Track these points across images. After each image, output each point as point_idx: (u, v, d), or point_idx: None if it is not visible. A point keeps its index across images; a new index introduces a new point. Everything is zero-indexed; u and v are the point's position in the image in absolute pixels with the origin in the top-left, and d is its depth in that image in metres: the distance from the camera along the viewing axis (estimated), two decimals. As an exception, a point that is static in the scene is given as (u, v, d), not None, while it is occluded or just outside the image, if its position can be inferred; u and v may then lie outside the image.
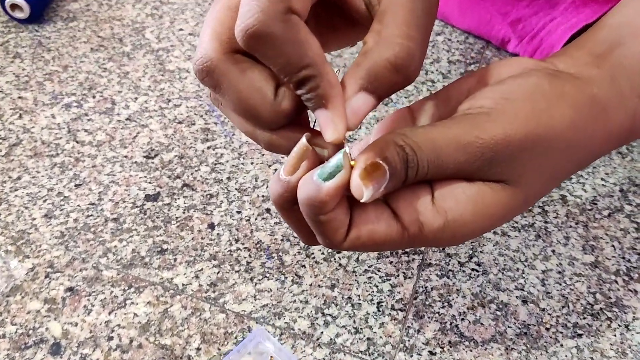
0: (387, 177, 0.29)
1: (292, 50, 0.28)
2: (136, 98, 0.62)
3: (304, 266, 0.49)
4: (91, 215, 0.52)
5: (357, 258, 0.49)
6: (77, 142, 0.58)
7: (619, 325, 0.46)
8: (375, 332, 0.45)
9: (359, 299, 0.47)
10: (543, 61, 0.36)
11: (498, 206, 0.32)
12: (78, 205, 0.52)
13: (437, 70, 0.66)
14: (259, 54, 0.29)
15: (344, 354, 0.44)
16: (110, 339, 0.44)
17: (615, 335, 0.46)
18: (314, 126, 0.32)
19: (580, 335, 0.45)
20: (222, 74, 0.30)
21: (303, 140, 0.30)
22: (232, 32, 0.29)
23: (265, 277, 0.48)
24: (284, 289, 0.47)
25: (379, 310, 0.46)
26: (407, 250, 0.50)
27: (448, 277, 0.48)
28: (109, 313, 0.46)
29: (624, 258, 0.50)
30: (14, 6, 0.68)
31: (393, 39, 0.29)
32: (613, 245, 0.51)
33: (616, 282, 0.49)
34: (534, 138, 0.31)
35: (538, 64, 0.35)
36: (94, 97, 0.62)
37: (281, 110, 0.30)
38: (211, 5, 0.33)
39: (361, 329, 0.45)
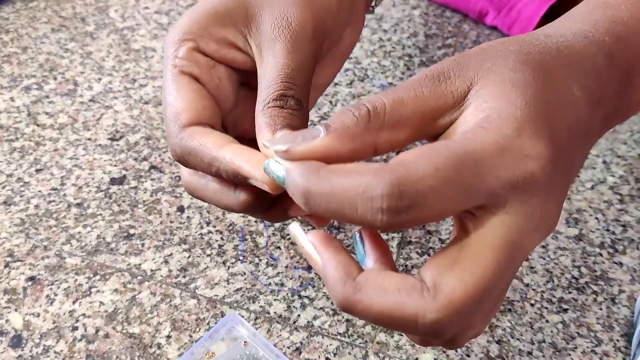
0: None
1: (197, 153, 0.33)
2: (100, 79, 0.59)
3: (279, 248, 0.47)
4: (53, 200, 0.49)
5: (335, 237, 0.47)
6: (38, 125, 0.55)
7: (605, 299, 0.45)
8: (354, 314, 0.43)
9: (337, 280, 0.45)
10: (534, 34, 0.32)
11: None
12: (39, 191, 0.50)
13: (414, 44, 0.64)
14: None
15: (322, 337, 0.42)
16: (75, 329, 0.42)
17: (601, 309, 0.44)
18: None
19: (565, 310, 0.44)
20: (193, 189, 0.36)
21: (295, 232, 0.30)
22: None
23: (239, 260, 0.46)
24: (258, 272, 0.45)
25: (357, 291, 0.44)
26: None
27: (429, 255, 0.46)
28: (73, 302, 0.43)
29: (608, 230, 0.49)
30: (-31, -14, 0.65)
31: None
32: (597, 218, 0.50)
33: (601, 254, 0.47)
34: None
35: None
36: (55, 78, 0.59)
37: (242, 201, 0.33)
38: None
39: (339, 310, 0.43)
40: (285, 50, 0.34)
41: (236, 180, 0.32)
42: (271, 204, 0.34)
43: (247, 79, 0.38)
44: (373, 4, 0.45)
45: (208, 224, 0.48)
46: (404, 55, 0.62)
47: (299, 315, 0.43)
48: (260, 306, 0.43)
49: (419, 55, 0.62)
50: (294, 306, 0.43)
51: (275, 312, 0.43)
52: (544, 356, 0.42)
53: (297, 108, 0.33)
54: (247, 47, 0.36)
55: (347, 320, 0.42)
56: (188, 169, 0.35)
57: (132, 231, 0.47)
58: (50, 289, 0.44)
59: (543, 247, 0.47)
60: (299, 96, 0.33)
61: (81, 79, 0.59)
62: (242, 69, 0.37)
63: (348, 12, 0.39)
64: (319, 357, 0.41)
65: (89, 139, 0.54)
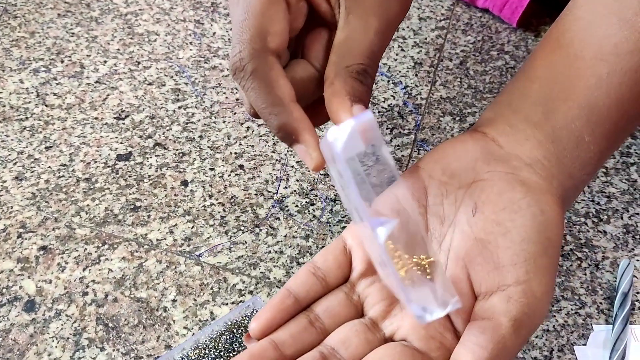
0: None
1: (260, 86, 0.32)
2: (105, 61, 0.61)
3: (278, 219, 0.49)
4: (62, 176, 0.51)
5: (331, 209, 0.49)
6: (47, 105, 0.57)
7: (589, 265, 0.47)
8: (349, 278, 0.45)
9: (334, 248, 0.47)
10: (485, 138, 0.37)
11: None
12: (49, 167, 0.52)
13: (407, 27, 0.66)
14: (240, 88, 0.34)
15: (319, 300, 0.44)
16: (85, 294, 0.44)
17: (585, 274, 0.47)
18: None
19: (551, 275, 0.46)
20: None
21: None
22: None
23: (240, 230, 0.48)
24: (259, 240, 0.48)
25: (353, 258, 0.46)
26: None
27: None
28: (83, 269, 0.46)
29: (593, 201, 0.51)
30: (-23, -27, 0.67)
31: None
32: (583, 190, 0.52)
33: (586, 224, 0.50)
34: None
35: (487, 155, 0.36)
36: (62, 61, 0.61)
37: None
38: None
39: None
40: (378, 29, 0.35)
41: (277, 129, 0.33)
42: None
43: None
44: None
45: (210, 197, 0.50)
46: (398, 37, 0.65)
47: (297, 280, 0.45)
48: (261, 272, 0.46)
49: (413, 37, 0.65)
50: (292, 272, 0.46)
51: (275, 278, 0.45)
52: (529, 317, 0.44)
53: (370, 86, 0.35)
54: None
55: (343, 284, 0.45)
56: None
57: (138, 204, 0.50)
58: (61, 257, 0.46)
59: (530, 216, 0.50)
60: (373, 74, 0.35)
61: (87, 61, 0.61)
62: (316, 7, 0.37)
63: None
64: (317, 318, 0.43)
65: (96, 118, 0.56)
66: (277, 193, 0.51)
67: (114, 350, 0.41)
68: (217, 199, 0.50)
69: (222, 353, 0.40)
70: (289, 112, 0.32)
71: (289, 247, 0.47)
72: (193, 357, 0.40)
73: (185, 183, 0.51)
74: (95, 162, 0.52)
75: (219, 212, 0.49)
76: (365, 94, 0.34)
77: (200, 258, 0.46)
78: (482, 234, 0.34)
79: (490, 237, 0.33)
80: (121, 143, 0.54)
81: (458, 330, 0.34)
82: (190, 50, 0.62)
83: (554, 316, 0.44)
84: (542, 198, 0.34)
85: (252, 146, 0.54)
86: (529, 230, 0.33)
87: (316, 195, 0.50)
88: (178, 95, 0.58)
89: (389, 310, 0.35)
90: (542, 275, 0.32)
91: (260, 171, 0.52)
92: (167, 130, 0.55)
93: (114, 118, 0.56)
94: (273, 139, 0.54)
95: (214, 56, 0.62)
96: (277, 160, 0.53)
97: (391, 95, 0.59)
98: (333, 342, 0.34)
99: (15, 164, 0.52)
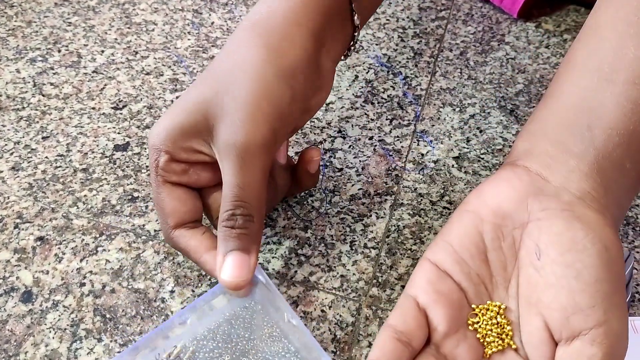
0: None
1: (185, 254, 0.41)
2: (102, 51, 0.61)
3: (277, 210, 0.49)
4: (60, 166, 0.51)
5: (330, 200, 0.49)
6: (44, 95, 0.56)
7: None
8: (348, 270, 0.45)
9: (332, 239, 0.47)
10: (528, 173, 0.36)
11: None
12: (46, 157, 0.52)
13: (407, 17, 0.65)
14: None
15: (318, 291, 0.44)
16: (83, 285, 0.44)
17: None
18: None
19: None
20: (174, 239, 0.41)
21: None
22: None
23: (238, 221, 0.48)
24: (257, 231, 0.47)
25: (352, 249, 0.46)
26: (379, 191, 0.50)
27: (420, 216, 0.48)
28: (81, 260, 0.45)
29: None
30: (-27, -39, 0.66)
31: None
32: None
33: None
34: None
35: (536, 192, 0.35)
36: (59, 51, 0.61)
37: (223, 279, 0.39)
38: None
39: (334, 266, 0.45)
40: (233, 170, 0.37)
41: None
42: None
43: None
44: (348, 52, 0.45)
45: (209, 187, 0.50)
46: (397, 28, 0.64)
47: (295, 272, 0.45)
48: (259, 263, 0.45)
49: (413, 27, 0.64)
50: (291, 263, 0.45)
51: (273, 269, 0.45)
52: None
53: (245, 226, 0.37)
54: (212, 152, 0.39)
55: (342, 276, 0.45)
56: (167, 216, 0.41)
57: (136, 194, 0.49)
58: (59, 248, 0.46)
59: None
60: (249, 211, 0.37)
61: (84, 51, 0.61)
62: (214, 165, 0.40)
63: (311, 86, 0.41)
64: (315, 309, 0.43)
65: (93, 108, 0.55)
66: (275, 184, 0.50)
67: (111, 341, 0.41)
68: (215, 190, 0.50)
69: (220, 344, 0.40)
70: (204, 266, 0.40)
71: (288, 238, 0.47)
72: (191, 348, 0.40)
73: (183, 174, 0.51)
74: (93, 152, 0.52)
75: (217, 203, 0.49)
76: (238, 238, 0.37)
77: (198, 249, 0.46)
78: (552, 278, 0.33)
79: (563, 282, 0.33)
80: (119, 133, 0.54)
81: None
82: (189, 40, 0.62)
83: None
84: (603, 233, 0.33)
85: (251, 137, 0.53)
86: (599, 270, 0.32)
87: (315, 187, 0.50)
88: (176, 85, 0.58)
89: None
90: (619, 312, 0.32)
91: (258, 162, 0.52)
92: (165, 120, 0.55)
93: (112, 108, 0.56)
94: (272, 130, 0.54)
95: (212, 46, 0.61)
96: (275, 151, 0.52)
97: (391, 86, 0.58)
98: None
99: (12, 154, 0.52)
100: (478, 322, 0.36)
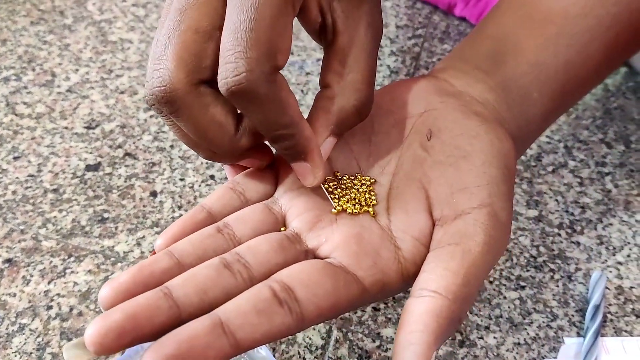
0: None
1: (273, 109, 0.28)
2: (77, 70, 0.60)
3: (248, 230, 0.48)
4: (30, 187, 0.51)
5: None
6: (16, 114, 0.56)
7: (562, 276, 0.47)
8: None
9: (304, 260, 0.46)
10: (437, 79, 0.37)
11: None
12: (16, 178, 0.51)
13: (384, 35, 0.65)
14: (240, 108, 0.29)
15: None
16: (50, 307, 0.43)
17: (557, 286, 0.46)
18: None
19: (523, 287, 0.46)
20: (185, 105, 0.29)
21: None
22: (199, 60, 0.29)
23: (209, 242, 0.47)
24: (228, 252, 0.47)
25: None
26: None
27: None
28: (48, 283, 0.45)
29: (567, 212, 0.51)
30: (-51, -20, 0.66)
31: (357, 85, 0.31)
32: (557, 200, 0.51)
33: (559, 234, 0.49)
34: None
35: (439, 90, 0.35)
36: (33, 70, 0.60)
37: (239, 146, 0.31)
38: (167, 15, 0.30)
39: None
40: (369, 62, 0.32)
41: (284, 150, 0.30)
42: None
43: None
44: None
45: (180, 207, 0.49)
46: (374, 46, 0.64)
47: (266, 293, 0.44)
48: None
49: (390, 45, 0.64)
50: (261, 285, 0.45)
51: (243, 291, 0.45)
52: (500, 330, 0.43)
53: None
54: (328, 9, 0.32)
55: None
56: (186, 76, 0.29)
57: (106, 215, 0.49)
58: (27, 270, 0.45)
59: (503, 227, 0.49)
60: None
61: (59, 70, 0.60)
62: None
63: None
64: (284, 332, 0.42)
65: (66, 128, 0.55)
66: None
67: (76, 366, 0.41)
68: (186, 210, 0.49)
69: None
70: (301, 131, 0.30)
71: (259, 259, 0.46)
72: None
73: (154, 194, 0.50)
74: (64, 172, 0.52)
75: (188, 223, 0.48)
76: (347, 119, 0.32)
77: (167, 271, 0.45)
78: (441, 156, 0.32)
79: (451, 160, 0.32)
80: (91, 153, 0.53)
81: (401, 248, 0.31)
82: (164, 58, 0.62)
83: (525, 329, 0.44)
84: (498, 128, 0.34)
85: (224, 156, 0.53)
86: (489, 155, 0.32)
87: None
88: (150, 104, 0.57)
89: (315, 222, 0.31)
90: (504, 200, 0.31)
91: (231, 182, 0.51)
92: (138, 139, 0.54)
93: (84, 127, 0.55)
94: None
95: (188, 64, 0.61)
96: (249, 170, 0.52)
97: (366, 104, 0.58)
98: (241, 250, 0.29)
99: (-19, 174, 0.51)
100: (335, 185, 0.33)
